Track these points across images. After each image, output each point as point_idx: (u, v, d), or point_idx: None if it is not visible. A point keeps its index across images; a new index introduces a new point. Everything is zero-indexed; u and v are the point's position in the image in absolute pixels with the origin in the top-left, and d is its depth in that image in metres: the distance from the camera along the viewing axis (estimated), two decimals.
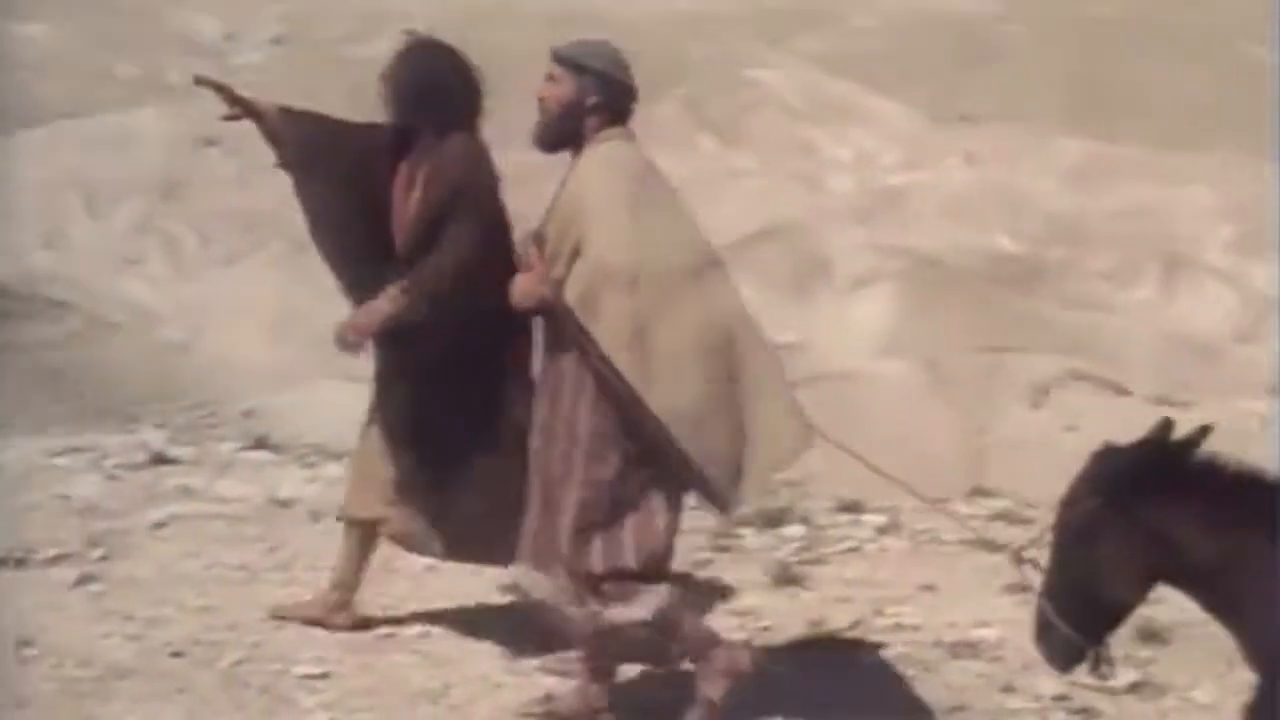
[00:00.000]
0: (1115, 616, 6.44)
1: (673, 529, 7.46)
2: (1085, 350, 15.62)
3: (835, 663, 8.45)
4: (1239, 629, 6.11)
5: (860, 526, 10.96)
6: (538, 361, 7.75)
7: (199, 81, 9.08)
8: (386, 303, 8.29)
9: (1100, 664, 6.45)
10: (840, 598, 9.44)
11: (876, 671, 8.39)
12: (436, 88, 8.58)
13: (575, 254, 7.31)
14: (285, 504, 10.71)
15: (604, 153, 7.49)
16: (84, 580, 9.31)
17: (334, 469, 11.66)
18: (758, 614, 9.12)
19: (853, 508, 10.68)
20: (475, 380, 8.31)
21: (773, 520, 10.81)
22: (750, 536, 10.62)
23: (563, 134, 7.58)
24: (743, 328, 7.40)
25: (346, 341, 8.42)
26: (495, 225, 8.36)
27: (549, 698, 7.83)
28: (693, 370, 7.21)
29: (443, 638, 8.73)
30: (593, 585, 7.33)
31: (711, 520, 10.41)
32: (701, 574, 9.80)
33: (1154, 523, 6.17)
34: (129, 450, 11.66)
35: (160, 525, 9.88)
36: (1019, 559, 6.73)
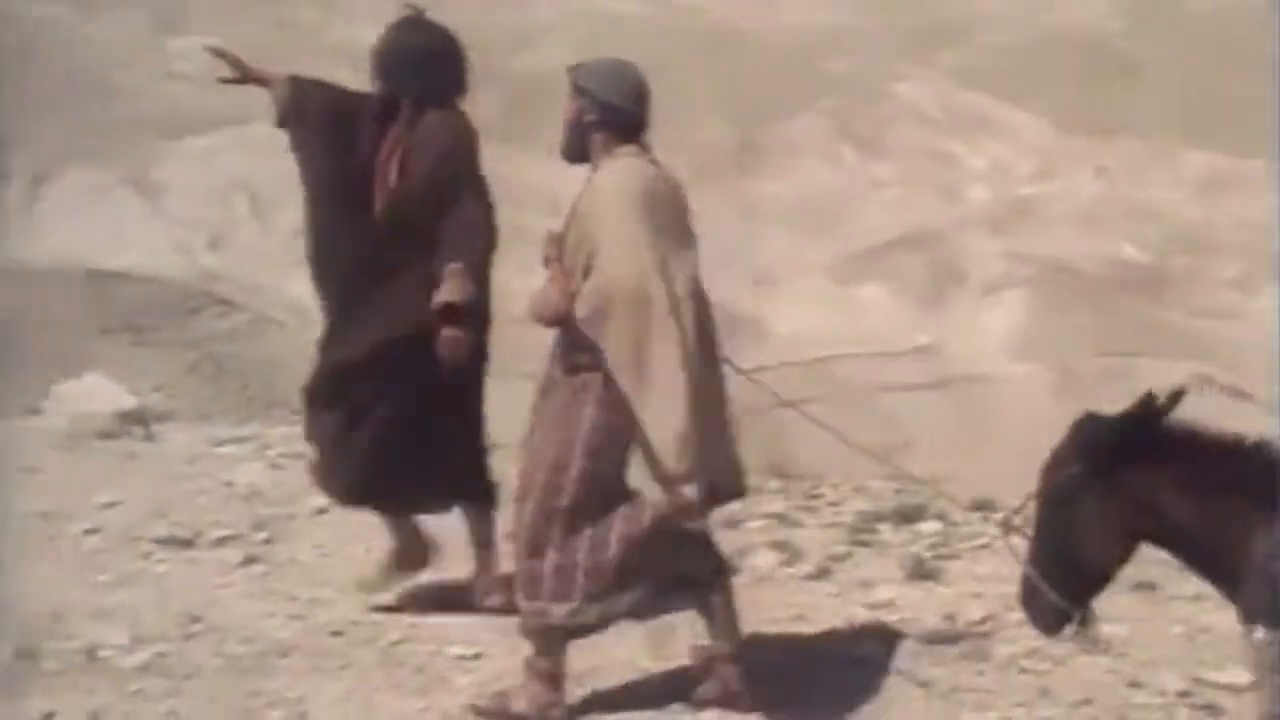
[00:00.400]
0: (1098, 579, 6.50)
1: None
2: (1210, 356, 15.53)
3: (969, 655, 8.40)
4: (1222, 585, 6.18)
5: (992, 524, 10.91)
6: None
7: (213, 52, 9.01)
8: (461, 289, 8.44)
9: (1086, 626, 6.54)
10: (973, 593, 9.39)
11: (1006, 665, 8.33)
12: (417, 61, 8.72)
13: (588, 270, 7.37)
14: None
15: (616, 170, 7.52)
16: (248, 561, 9.42)
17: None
18: (894, 607, 9.07)
19: (985, 505, 10.60)
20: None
21: (909, 516, 10.77)
22: (887, 532, 10.58)
23: (573, 147, 7.69)
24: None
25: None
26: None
27: (502, 694, 7.78)
28: (682, 391, 7.21)
29: None
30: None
31: (850, 516, 10.43)
32: (840, 567, 9.77)
33: (1133, 487, 6.25)
34: (290, 440, 11.72)
35: (321, 511, 9.93)
36: (1008, 528, 6.80)
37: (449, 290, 8.35)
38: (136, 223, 67.69)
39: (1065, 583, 6.49)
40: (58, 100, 79.48)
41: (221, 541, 9.47)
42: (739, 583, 8.23)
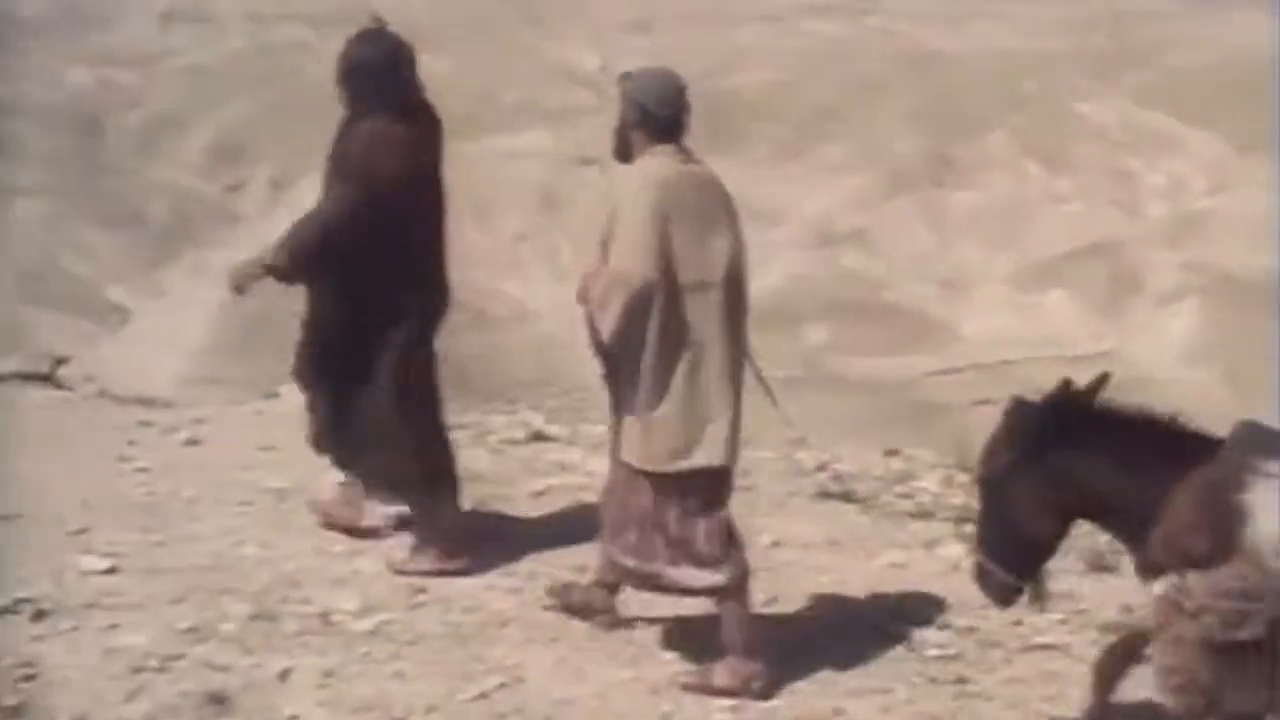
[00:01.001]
0: (1040, 555, 6.75)
1: None
2: None
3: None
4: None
5: None
6: None
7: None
8: (262, 255, 8.82)
9: (1038, 598, 6.85)
10: None
11: None
12: (357, 70, 8.83)
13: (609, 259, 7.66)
14: None
15: (642, 167, 7.75)
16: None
17: None
18: (1073, 598, 9.03)
19: None
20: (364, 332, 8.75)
21: None
22: None
23: (619, 148, 7.99)
24: (713, 351, 7.66)
25: (233, 287, 8.95)
26: (379, 199, 8.59)
27: (566, 587, 8.38)
28: (665, 376, 7.55)
29: None
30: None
31: None
32: None
33: (1063, 468, 6.47)
34: (511, 428, 11.85)
35: (539, 494, 10.02)
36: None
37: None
38: None
39: (1011, 561, 6.73)
40: (294, 114, 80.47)
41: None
42: (929, 571, 8.34)
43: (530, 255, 69.39)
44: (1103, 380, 6.61)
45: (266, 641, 7.96)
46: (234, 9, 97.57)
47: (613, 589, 8.25)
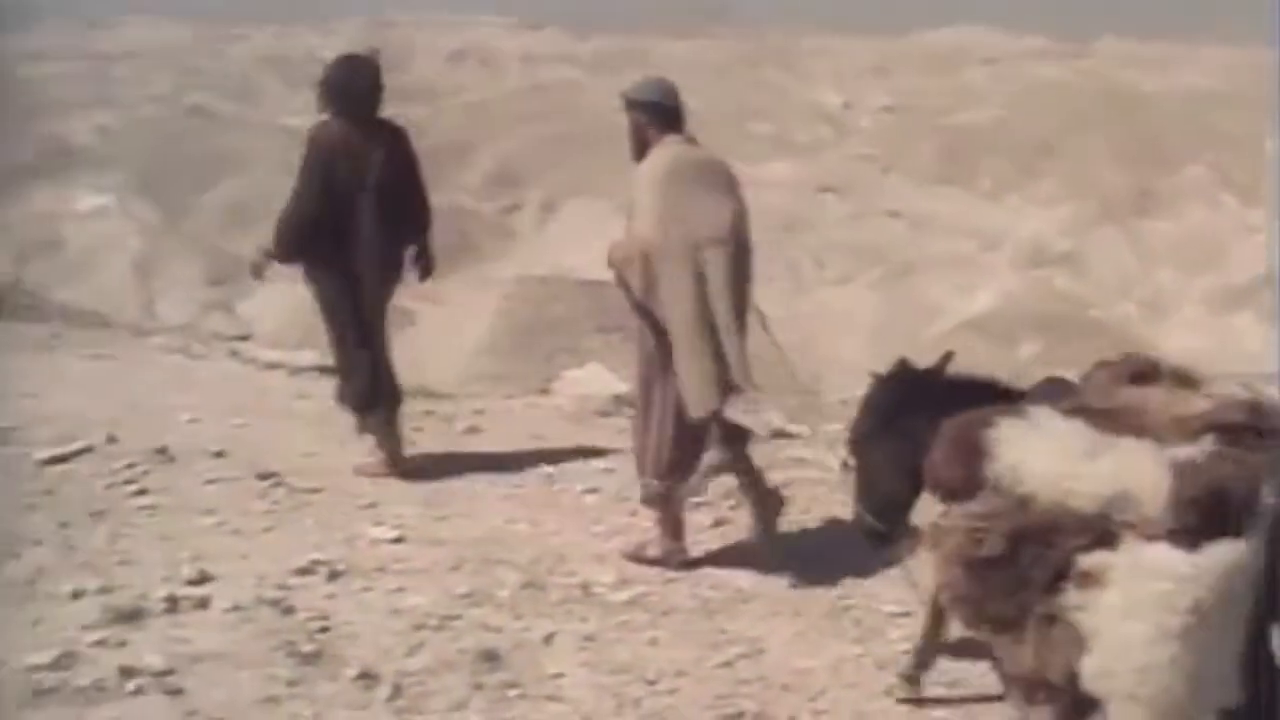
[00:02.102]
0: (901, 506, 7.07)
1: None
2: None
3: None
4: None
5: None
6: None
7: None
8: (264, 246, 10.09)
9: (898, 542, 7.24)
10: None
11: None
12: (329, 86, 9.93)
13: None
14: None
15: (656, 153, 8.59)
16: (718, 524, 9.48)
17: None
18: None
19: None
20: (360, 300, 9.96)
21: None
22: None
23: (636, 149, 8.76)
24: (722, 298, 8.42)
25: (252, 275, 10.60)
26: (334, 189, 9.72)
27: (641, 544, 8.90)
28: (683, 312, 8.37)
29: None
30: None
31: None
32: None
33: (909, 430, 6.86)
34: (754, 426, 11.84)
35: (781, 486, 9.96)
36: (845, 467, 7.55)
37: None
38: None
39: (879, 511, 7.25)
40: (564, 144, 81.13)
41: (697, 506, 9.53)
42: None
43: (775, 271, 69.44)
44: (947, 357, 7.22)
45: (534, 608, 7.99)
46: (513, 51, 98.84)
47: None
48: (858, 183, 74.78)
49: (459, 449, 10.89)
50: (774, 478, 9.66)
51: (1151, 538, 5.57)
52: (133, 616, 7.51)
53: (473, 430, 11.55)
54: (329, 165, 9.77)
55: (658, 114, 8.69)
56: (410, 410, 11.08)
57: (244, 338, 17.74)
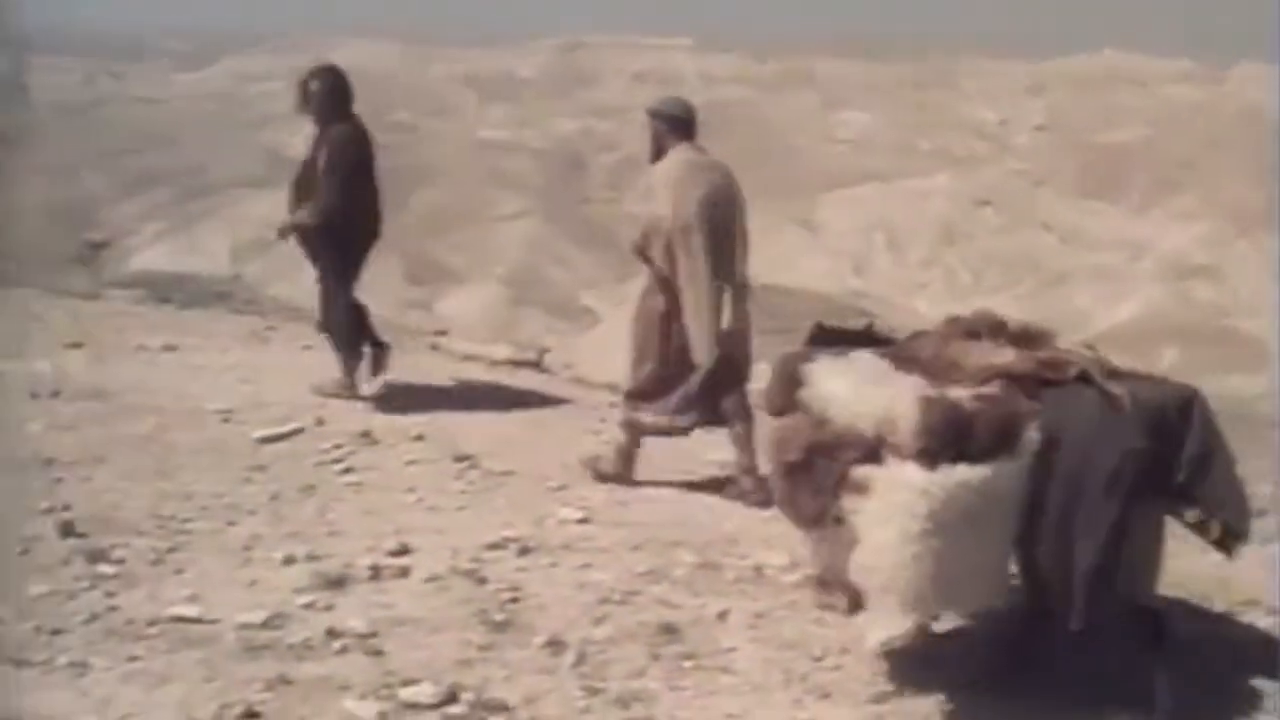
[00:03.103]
0: None
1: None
2: None
3: None
4: None
5: None
6: None
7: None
8: (300, 214, 11.45)
9: None
10: None
11: None
12: (326, 93, 11.44)
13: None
14: None
15: (671, 156, 9.69)
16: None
17: None
18: None
19: None
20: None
21: None
22: None
23: (654, 153, 9.85)
24: (721, 270, 9.49)
25: (279, 235, 11.85)
26: (357, 174, 11.38)
27: (594, 457, 9.97)
28: (695, 281, 9.45)
29: None
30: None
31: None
32: None
33: None
34: None
35: None
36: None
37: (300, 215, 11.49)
38: (801, 251, 68.91)
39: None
40: (738, 158, 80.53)
41: None
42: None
43: (934, 278, 68.60)
44: (869, 326, 7.67)
45: (709, 586, 7.97)
46: (693, 71, 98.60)
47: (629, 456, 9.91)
48: (1012, 197, 73.98)
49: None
50: None
51: (905, 457, 6.34)
52: (339, 583, 7.66)
53: None
54: (353, 158, 11.40)
55: (676, 125, 9.78)
56: (594, 402, 11.09)
57: (442, 332, 17.92)
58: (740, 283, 9.56)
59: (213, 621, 7.09)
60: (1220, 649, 7.51)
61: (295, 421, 10.61)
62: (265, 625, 7.06)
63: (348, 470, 9.69)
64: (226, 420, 10.75)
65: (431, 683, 6.52)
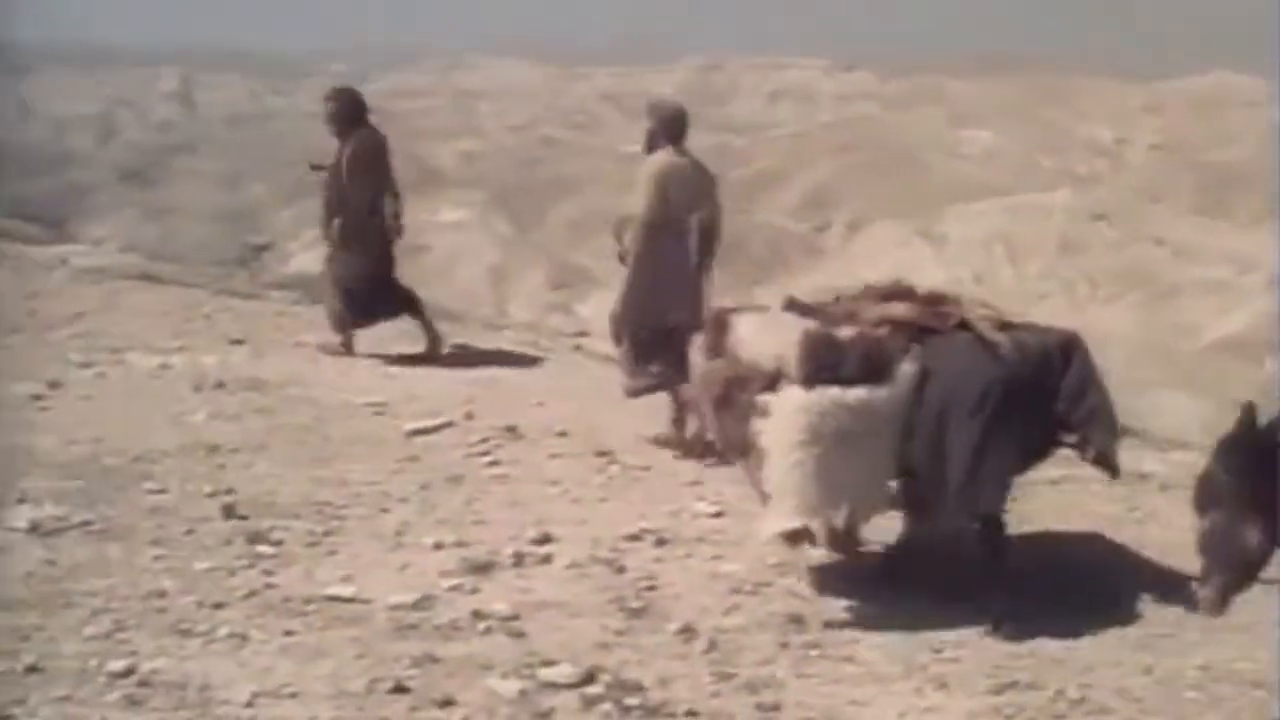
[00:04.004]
0: None
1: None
2: None
3: None
4: None
5: None
6: None
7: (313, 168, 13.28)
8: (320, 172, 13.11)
9: None
10: None
11: None
12: (341, 109, 12.91)
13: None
14: (1144, 477, 10.38)
15: (655, 156, 10.33)
16: None
17: (1179, 455, 11.41)
18: None
19: None
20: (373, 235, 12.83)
21: None
22: None
23: (650, 148, 10.41)
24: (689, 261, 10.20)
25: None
26: (371, 168, 12.74)
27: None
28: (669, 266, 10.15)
29: None
30: None
31: None
32: None
33: None
34: None
35: (1054, 483, 9.62)
36: None
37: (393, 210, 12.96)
38: (924, 262, 68.43)
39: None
40: (869, 172, 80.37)
41: None
42: None
43: (1052, 289, 67.72)
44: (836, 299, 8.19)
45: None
46: (825, 89, 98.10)
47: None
48: (1127, 212, 73.10)
49: None
50: (1045, 474, 9.31)
51: (793, 383, 7.34)
52: (484, 568, 7.70)
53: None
54: (366, 157, 12.73)
55: (667, 127, 10.41)
56: None
57: (583, 334, 17.93)
58: (706, 265, 10.31)
59: (365, 601, 7.16)
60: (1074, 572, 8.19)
61: (444, 415, 10.67)
62: (414, 606, 7.11)
63: (494, 463, 9.72)
64: (379, 413, 10.83)
65: (570, 664, 6.54)
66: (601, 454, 10.01)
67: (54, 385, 11.12)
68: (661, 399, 10.42)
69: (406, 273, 13.51)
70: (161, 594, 7.11)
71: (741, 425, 7.56)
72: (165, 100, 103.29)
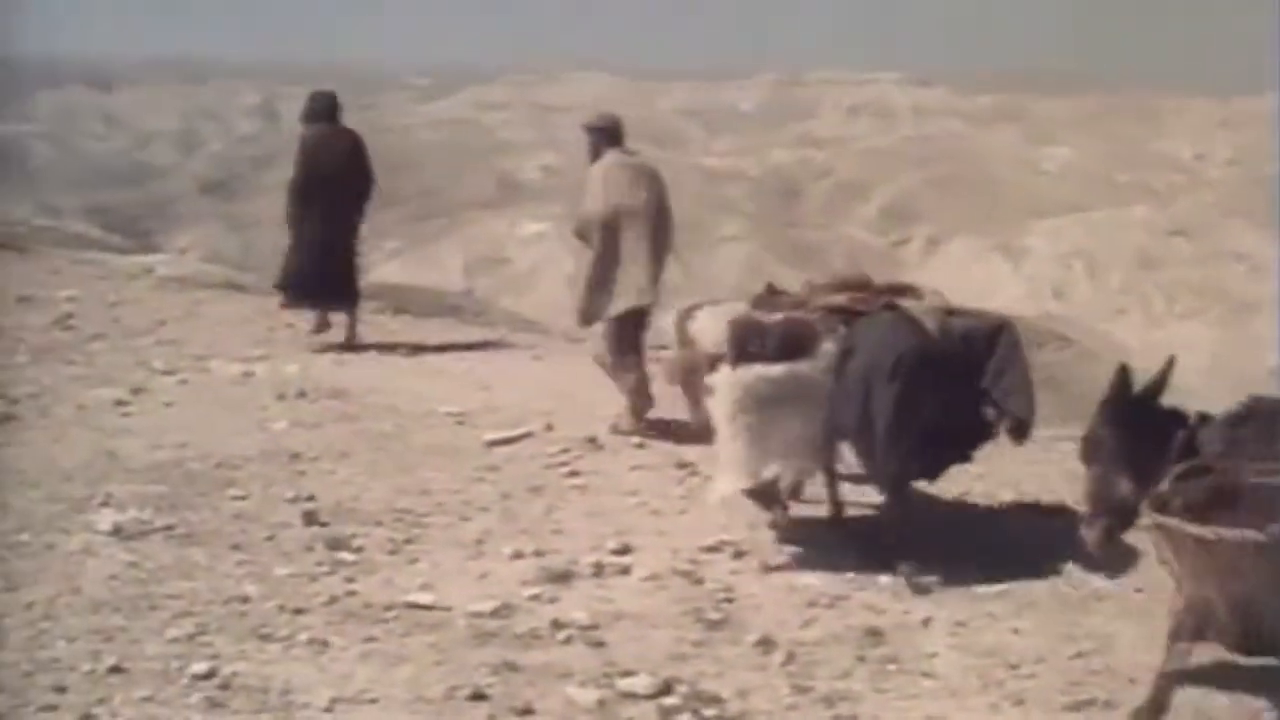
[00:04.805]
0: None
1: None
2: None
3: None
4: None
5: None
6: None
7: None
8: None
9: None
10: None
11: None
12: (314, 109, 14.08)
13: None
14: None
15: (602, 160, 11.04)
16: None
17: None
18: None
19: None
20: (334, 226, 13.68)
21: None
22: None
23: (594, 157, 11.11)
24: (641, 250, 10.85)
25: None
26: (319, 159, 13.73)
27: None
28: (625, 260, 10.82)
29: None
30: None
31: None
32: None
33: None
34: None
35: None
36: None
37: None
38: (1003, 277, 68.09)
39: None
40: (950, 186, 79.98)
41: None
42: None
43: (1130, 304, 67.09)
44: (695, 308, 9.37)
45: (913, 595, 7.86)
46: (904, 104, 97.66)
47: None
48: (1205, 227, 72.53)
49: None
50: None
51: (728, 363, 8.22)
52: (563, 577, 7.72)
53: None
54: (309, 148, 13.80)
55: (604, 135, 11.13)
56: None
57: (664, 347, 17.90)
58: (663, 253, 11.06)
59: (445, 609, 7.18)
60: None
61: (525, 426, 10.69)
62: (494, 614, 7.13)
63: (574, 473, 9.75)
64: (460, 423, 10.87)
65: (648, 674, 6.52)
66: (681, 465, 10.00)
67: (138, 391, 11.25)
68: None
69: (487, 284, 13.60)
70: (243, 599, 7.17)
71: (702, 405, 8.72)
72: (248, 114, 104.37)
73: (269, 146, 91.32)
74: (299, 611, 7.05)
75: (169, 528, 8.12)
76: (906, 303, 8.48)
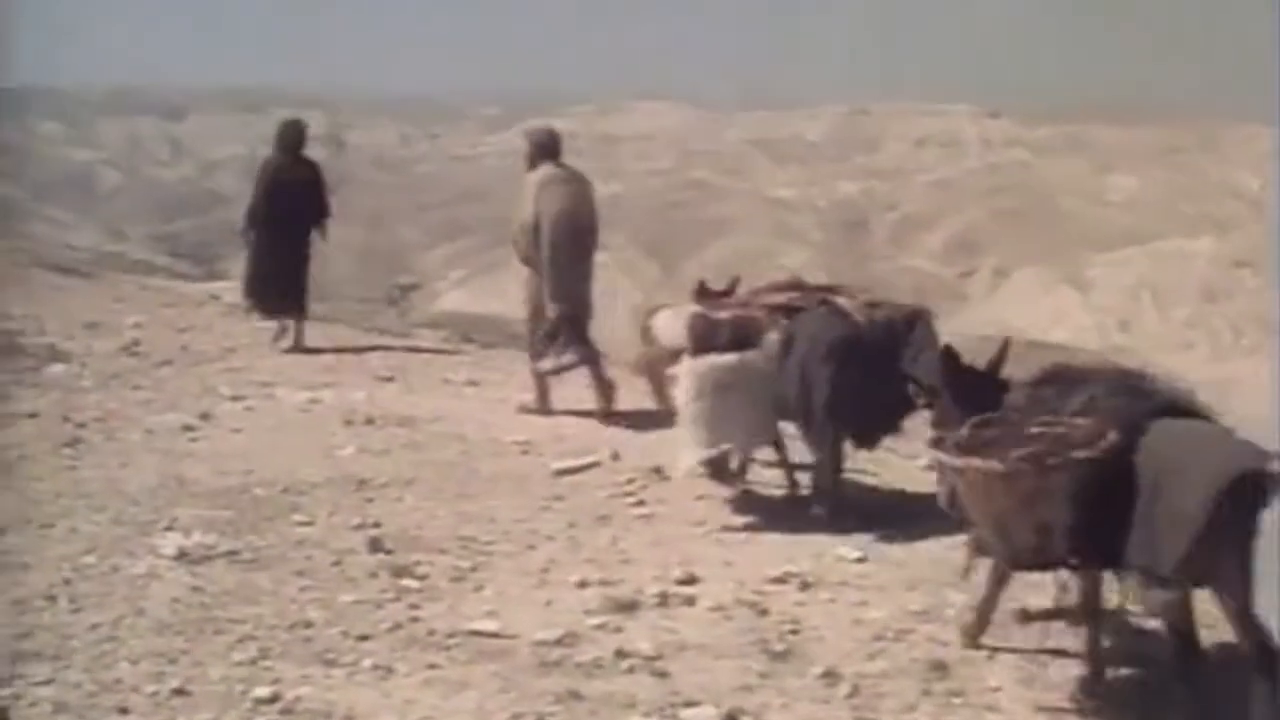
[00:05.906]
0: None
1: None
2: None
3: None
4: None
5: None
6: None
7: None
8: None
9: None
10: None
11: None
12: (282, 138, 15.44)
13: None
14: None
15: (537, 171, 12.10)
16: None
17: None
18: None
19: None
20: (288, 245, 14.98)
21: None
22: None
23: (531, 166, 12.16)
24: (564, 254, 11.96)
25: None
26: (276, 182, 15.03)
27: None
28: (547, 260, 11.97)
29: None
30: None
31: None
32: None
33: None
34: None
35: None
36: None
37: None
38: (1070, 308, 67.63)
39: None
40: (1016, 218, 79.40)
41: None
42: None
43: (1198, 338, 66.42)
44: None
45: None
46: (970, 135, 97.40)
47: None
48: (1270, 258, 71.88)
49: (912, 486, 10.46)
50: None
51: (688, 355, 9.50)
52: (628, 607, 7.68)
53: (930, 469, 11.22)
54: (268, 173, 15.03)
55: (541, 149, 12.18)
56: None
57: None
58: (585, 267, 12.25)
59: (510, 637, 7.17)
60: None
61: (591, 455, 10.67)
62: (559, 643, 7.11)
63: (640, 503, 9.73)
64: (525, 452, 10.86)
65: (713, 705, 6.48)
66: (747, 495, 9.94)
67: (204, 417, 11.30)
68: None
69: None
70: (307, 624, 7.18)
71: (668, 396, 10.36)
72: (313, 142, 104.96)
73: (334, 174, 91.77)
74: (363, 638, 7.05)
75: (234, 552, 8.15)
76: (838, 299, 9.80)
